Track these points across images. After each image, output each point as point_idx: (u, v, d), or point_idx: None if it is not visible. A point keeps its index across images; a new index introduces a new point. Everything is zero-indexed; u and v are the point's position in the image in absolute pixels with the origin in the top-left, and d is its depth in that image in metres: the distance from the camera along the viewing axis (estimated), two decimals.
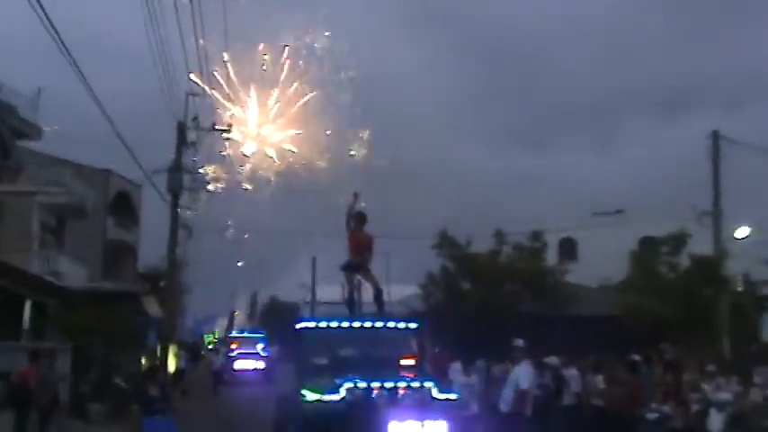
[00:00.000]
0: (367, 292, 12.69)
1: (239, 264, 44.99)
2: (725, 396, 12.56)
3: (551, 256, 31.77)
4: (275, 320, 57.46)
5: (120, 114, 20.54)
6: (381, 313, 12.03)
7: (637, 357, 15.02)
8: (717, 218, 25.71)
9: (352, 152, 30.41)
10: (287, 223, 36.82)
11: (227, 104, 30.69)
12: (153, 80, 28.34)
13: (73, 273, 31.80)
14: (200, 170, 29.55)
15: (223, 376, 33.48)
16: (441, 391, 9.91)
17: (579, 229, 40.36)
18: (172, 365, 29.16)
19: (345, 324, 11.34)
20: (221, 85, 30.30)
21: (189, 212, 30.43)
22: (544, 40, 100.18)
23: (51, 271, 29.56)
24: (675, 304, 24.12)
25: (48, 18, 11.80)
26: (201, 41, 24.37)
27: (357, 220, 12.25)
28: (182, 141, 27.74)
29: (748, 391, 12.94)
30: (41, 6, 11.35)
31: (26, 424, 14.62)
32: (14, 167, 31.75)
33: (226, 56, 29.69)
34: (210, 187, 30.36)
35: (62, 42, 12.93)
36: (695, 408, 13.92)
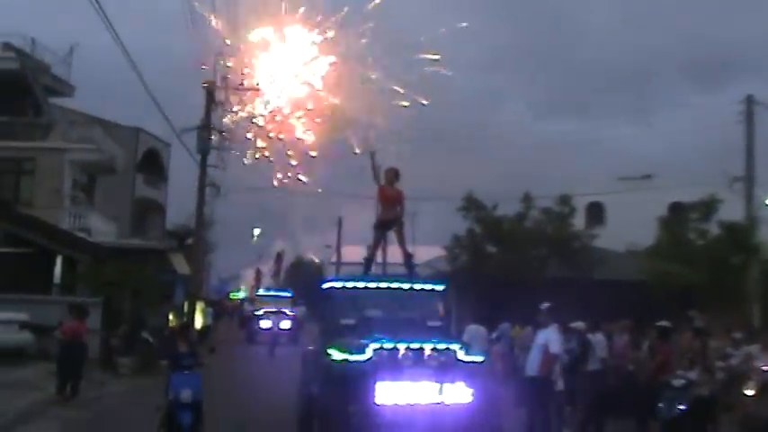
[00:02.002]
0: (391, 253, 12.68)
1: (256, 232, 44.92)
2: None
3: (579, 221, 31.56)
4: (300, 280, 57.97)
5: (151, 72, 20.66)
6: (411, 276, 12.04)
7: (666, 324, 14.96)
8: (749, 184, 25.35)
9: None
10: (314, 183, 36.66)
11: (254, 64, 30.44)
12: (184, 38, 28.29)
13: (103, 229, 32.21)
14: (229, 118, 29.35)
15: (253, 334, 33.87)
16: (467, 353, 9.93)
17: (608, 193, 39.99)
18: (198, 322, 29.55)
19: (372, 284, 11.36)
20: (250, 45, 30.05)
21: (217, 170, 30.45)
22: (580, 2, 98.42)
23: (82, 227, 29.99)
24: (703, 271, 23.93)
25: None
26: None
27: (389, 175, 12.15)
28: (210, 101, 27.76)
29: None
30: None
31: (68, 381, 14.79)
32: (46, 125, 32.03)
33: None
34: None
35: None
36: (721, 375, 13.88)
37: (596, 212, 42.98)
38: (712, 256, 24.79)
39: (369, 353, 9.43)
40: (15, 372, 16.20)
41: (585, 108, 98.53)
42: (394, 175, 12.18)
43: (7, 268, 23.68)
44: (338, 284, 11.75)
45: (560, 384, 12.07)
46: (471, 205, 27.25)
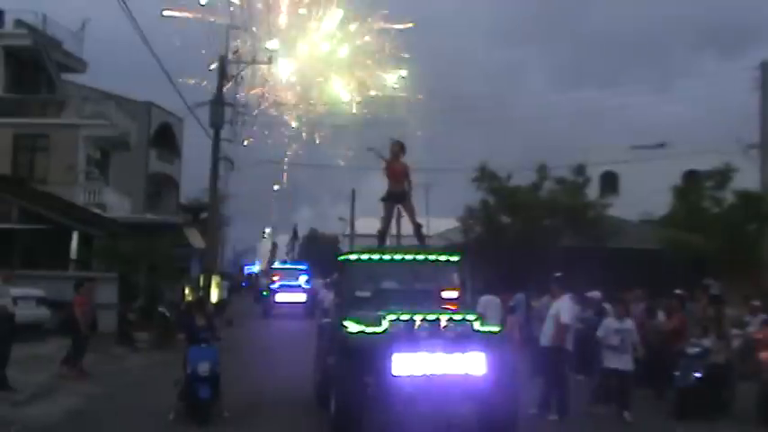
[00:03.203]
0: (405, 226, 12.73)
1: (276, 187, 44.88)
2: None
3: (593, 191, 31.42)
4: (315, 252, 58.15)
5: (163, 47, 20.63)
6: (422, 246, 12.07)
7: (680, 292, 14.95)
8: (764, 151, 25.13)
9: (395, 85, 29.99)
10: (328, 157, 36.77)
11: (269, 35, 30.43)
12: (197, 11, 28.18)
13: (117, 204, 32.40)
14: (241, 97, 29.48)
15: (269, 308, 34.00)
16: (482, 324, 9.95)
17: (622, 162, 39.79)
18: (214, 296, 29.76)
19: (387, 256, 11.38)
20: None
21: (231, 144, 30.54)
22: None
23: (97, 203, 30.18)
24: (719, 239, 23.84)
25: None
26: None
27: (395, 149, 12.21)
28: (222, 75, 27.73)
29: None
30: None
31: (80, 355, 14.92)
32: (60, 101, 32.12)
33: None
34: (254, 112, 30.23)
35: None
36: (736, 343, 13.87)
37: (610, 182, 42.80)
38: (727, 225, 24.69)
39: (385, 324, 9.45)
40: (33, 347, 16.37)
41: (601, 78, 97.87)
42: (400, 148, 12.23)
43: (24, 245, 23.89)
44: (353, 257, 11.79)
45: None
46: (485, 176, 27.12)
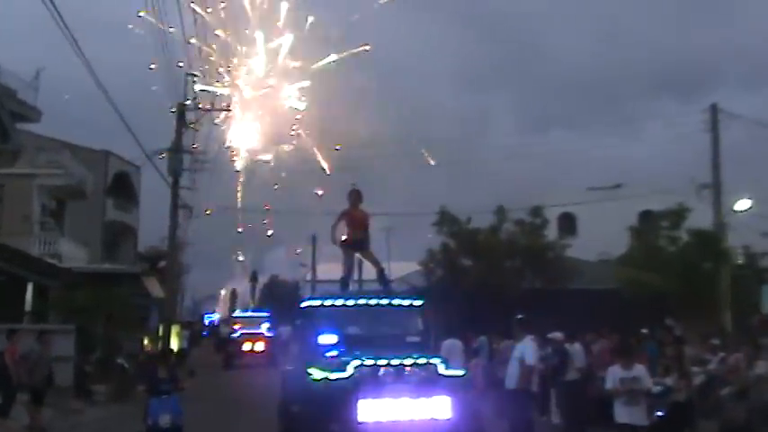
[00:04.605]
0: (368, 271, 12.75)
1: (239, 230, 44.50)
2: None
3: (551, 232, 31.80)
4: (276, 300, 57.59)
5: (120, 96, 20.57)
6: (386, 291, 12.07)
7: (644, 331, 15.14)
8: (716, 191, 25.73)
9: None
10: (286, 203, 36.80)
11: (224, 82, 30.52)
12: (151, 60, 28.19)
13: (73, 254, 31.85)
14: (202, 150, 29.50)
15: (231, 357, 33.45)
16: (447, 368, 9.95)
17: (579, 204, 40.38)
18: (174, 345, 29.27)
19: (350, 302, 11.35)
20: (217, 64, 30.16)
21: (189, 191, 30.39)
22: (540, 19, 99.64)
23: (52, 253, 29.61)
24: (676, 278, 24.20)
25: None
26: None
27: (353, 197, 12.30)
28: (181, 122, 27.68)
29: (754, 363, 13.00)
30: None
31: (8, 404, 14.51)
32: (14, 150, 31.66)
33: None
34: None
35: (62, 19, 12.91)
36: (697, 381, 14.04)
37: (568, 223, 43.37)
38: (683, 264, 25.08)
39: (350, 370, 9.41)
40: None
41: (562, 122, 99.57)
42: (357, 196, 12.31)
43: None
44: (316, 302, 11.73)
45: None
46: (445, 220, 27.34)
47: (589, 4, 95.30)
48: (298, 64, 30.41)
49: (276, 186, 31.43)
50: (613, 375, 9.98)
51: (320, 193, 30.81)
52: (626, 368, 9.92)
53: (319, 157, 31.07)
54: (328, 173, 30.26)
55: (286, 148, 31.18)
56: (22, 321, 23.95)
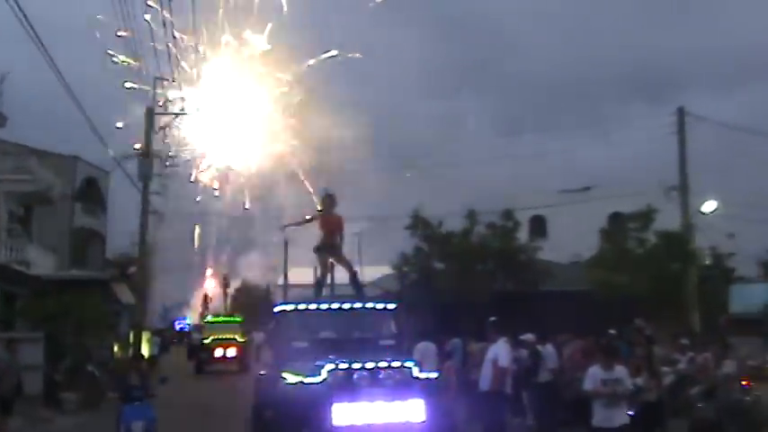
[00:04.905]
0: (340, 274, 12.76)
1: (196, 234, 44.10)
2: None
3: (522, 235, 32.00)
4: (247, 305, 57.30)
5: (88, 100, 20.38)
6: (359, 295, 12.09)
7: (612, 332, 15.27)
8: (683, 192, 26.11)
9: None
10: (259, 206, 36.77)
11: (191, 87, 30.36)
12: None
13: (41, 261, 31.41)
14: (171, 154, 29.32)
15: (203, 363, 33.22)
16: (421, 371, 9.97)
17: (549, 206, 40.73)
18: (145, 352, 28.98)
19: (324, 306, 11.35)
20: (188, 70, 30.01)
21: (159, 196, 30.16)
22: (509, 22, 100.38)
23: (19, 260, 29.15)
24: (645, 279, 24.48)
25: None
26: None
27: (326, 202, 12.31)
28: (150, 126, 27.43)
29: (722, 363, 13.21)
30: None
31: None
32: None
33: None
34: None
35: (28, 22, 12.78)
36: (668, 380, 14.22)
37: (539, 226, 43.72)
38: (652, 265, 25.38)
39: (323, 375, 9.39)
40: None
41: (534, 125, 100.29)
42: (331, 201, 12.32)
43: None
44: (290, 307, 11.70)
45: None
46: (418, 223, 27.40)
47: (558, 5, 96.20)
48: (268, 69, 30.36)
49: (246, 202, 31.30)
50: (593, 377, 9.71)
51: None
52: (607, 369, 9.66)
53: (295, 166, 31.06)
54: (302, 178, 30.20)
55: (257, 152, 31.10)
56: None
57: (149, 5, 25.73)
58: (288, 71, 30.78)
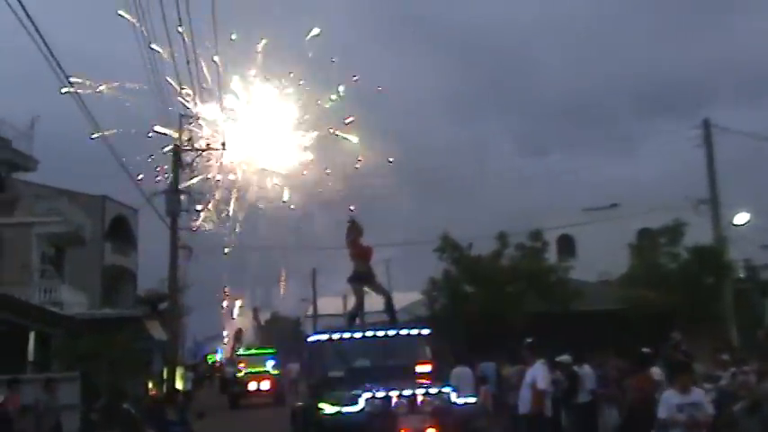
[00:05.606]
0: (369, 302, 12.74)
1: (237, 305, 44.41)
2: None
3: (551, 255, 31.74)
4: (278, 336, 57.27)
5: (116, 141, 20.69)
6: (392, 321, 12.06)
7: (646, 350, 15.05)
8: (714, 205, 25.81)
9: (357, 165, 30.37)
10: (283, 238, 36.96)
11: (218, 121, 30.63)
12: (147, 103, 28.38)
13: (74, 301, 31.75)
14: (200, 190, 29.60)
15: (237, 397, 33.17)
16: (459, 396, 9.92)
17: (576, 225, 40.41)
18: (179, 388, 29.04)
19: (358, 334, 11.34)
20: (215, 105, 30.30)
21: (188, 232, 30.38)
22: (530, 41, 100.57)
23: (53, 301, 29.54)
24: (678, 295, 24.17)
25: (46, 45, 11.89)
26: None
27: (355, 231, 12.35)
28: (177, 163, 27.73)
29: (764, 378, 12.95)
30: (39, 34, 11.39)
31: None
32: (11, 200, 31.71)
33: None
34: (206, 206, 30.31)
35: (61, 69, 13.03)
36: (710, 397, 13.94)
37: (567, 245, 43.36)
38: (685, 280, 25.07)
39: (361, 404, 9.36)
40: None
41: (559, 144, 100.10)
42: (358, 230, 12.39)
43: None
44: (324, 337, 11.70)
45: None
46: (447, 246, 27.27)
47: (578, 24, 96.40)
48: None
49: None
50: (668, 402, 8.63)
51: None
52: (683, 392, 8.55)
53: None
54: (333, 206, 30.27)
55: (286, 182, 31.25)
56: (25, 371, 23.79)
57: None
58: (315, 103, 31.01)
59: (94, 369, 23.51)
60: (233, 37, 29.20)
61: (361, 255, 12.22)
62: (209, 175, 30.48)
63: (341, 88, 30.33)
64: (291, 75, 30.62)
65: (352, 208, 13.04)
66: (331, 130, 30.51)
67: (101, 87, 26.55)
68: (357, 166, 30.68)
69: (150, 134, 28.70)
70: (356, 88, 30.81)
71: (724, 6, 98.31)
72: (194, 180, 29.47)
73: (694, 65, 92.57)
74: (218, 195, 31.23)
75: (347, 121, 30.73)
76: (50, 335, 25.78)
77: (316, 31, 29.48)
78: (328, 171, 30.98)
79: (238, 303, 64.69)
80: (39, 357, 25.21)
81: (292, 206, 31.21)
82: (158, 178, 28.28)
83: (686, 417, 8.39)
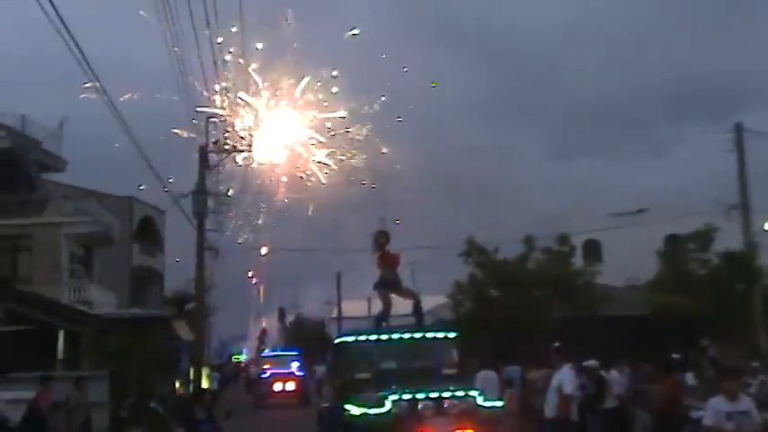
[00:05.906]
0: (396, 306, 12.74)
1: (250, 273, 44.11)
2: None
3: (577, 259, 31.55)
4: (302, 338, 57.53)
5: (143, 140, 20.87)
6: (420, 323, 12.06)
7: (675, 356, 14.96)
8: (745, 210, 25.52)
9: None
10: (309, 240, 37.05)
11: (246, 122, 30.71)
12: (173, 106, 28.54)
13: (103, 300, 32.11)
14: (227, 192, 29.68)
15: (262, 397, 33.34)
16: (485, 400, 9.90)
17: (602, 230, 40.14)
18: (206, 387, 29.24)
19: (384, 336, 11.35)
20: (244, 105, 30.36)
21: (215, 233, 30.51)
22: (554, 44, 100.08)
23: (82, 300, 29.90)
24: (708, 301, 23.93)
25: (78, 47, 12.04)
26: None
27: (381, 240, 12.34)
28: (204, 164, 27.91)
29: None
30: (71, 36, 11.54)
31: None
32: (40, 200, 32.13)
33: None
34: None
35: (90, 68, 13.19)
36: None
37: (593, 250, 43.06)
38: (715, 286, 24.82)
39: (388, 405, 9.38)
40: None
41: (580, 148, 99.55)
42: (386, 239, 12.38)
43: (10, 346, 23.45)
44: (350, 339, 11.72)
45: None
46: (473, 250, 27.21)
47: (607, 28, 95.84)
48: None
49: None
50: (716, 409, 8.28)
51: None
52: (731, 400, 8.17)
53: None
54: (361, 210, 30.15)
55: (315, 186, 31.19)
56: (55, 369, 24.08)
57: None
58: (345, 108, 30.95)
59: (123, 368, 23.75)
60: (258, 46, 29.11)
61: (388, 263, 12.21)
62: (235, 178, 30.53)
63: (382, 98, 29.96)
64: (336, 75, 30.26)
65: (381, 223, 12.94)
66: (359, 136, 30.31)
67: (127, 94, 26.64)
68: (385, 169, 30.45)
69: (176, 134, 28.79)
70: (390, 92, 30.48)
71: (756, 9, 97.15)
72: (221, 184, 29.53)
73: (726, 68, 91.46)
74: (243, 197, 31.26)
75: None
76: (80, 333, 26.08)
77: (355, 30, 29.22)
78: (353, 178, 30.80)
79: (264, 305, 65.04)
80: (68, 355, 25.50)
81: (314, 210, 31.11)
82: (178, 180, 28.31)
83: (735, 426, 8.07)
